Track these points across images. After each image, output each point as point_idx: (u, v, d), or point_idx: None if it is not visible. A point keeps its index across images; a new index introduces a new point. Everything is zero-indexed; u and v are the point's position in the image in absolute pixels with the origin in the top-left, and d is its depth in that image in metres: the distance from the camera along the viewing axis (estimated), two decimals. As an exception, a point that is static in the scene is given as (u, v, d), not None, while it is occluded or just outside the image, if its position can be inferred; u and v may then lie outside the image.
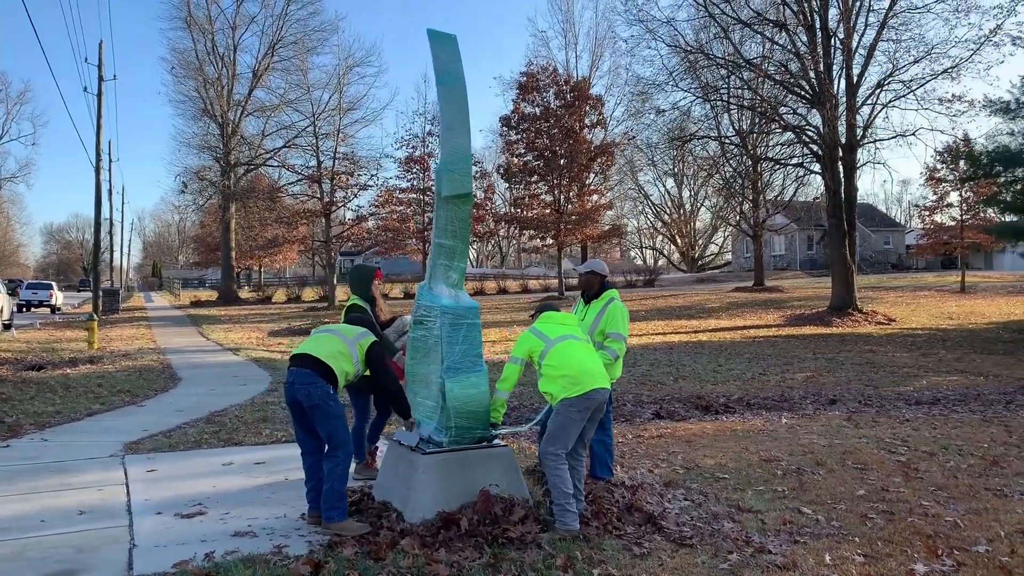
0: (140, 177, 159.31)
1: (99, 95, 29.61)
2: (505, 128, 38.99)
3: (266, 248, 38.49)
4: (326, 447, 5.18)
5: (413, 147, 42.57)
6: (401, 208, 42.48)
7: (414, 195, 42.18)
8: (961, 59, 28.62)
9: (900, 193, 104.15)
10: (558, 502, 5.03)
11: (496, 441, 5.51)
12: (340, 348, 5.28)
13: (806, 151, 31.15)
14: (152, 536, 5.05)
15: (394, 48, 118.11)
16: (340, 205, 37.30)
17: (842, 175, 29.53)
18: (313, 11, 40.29)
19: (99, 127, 29.30)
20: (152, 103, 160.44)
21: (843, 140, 29.40)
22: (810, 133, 29.52)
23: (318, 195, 36.68)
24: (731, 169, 37.74)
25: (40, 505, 5.80)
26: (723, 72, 31.73)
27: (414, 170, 41.94)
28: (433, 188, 35.57)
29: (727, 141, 35.45)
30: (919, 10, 29.64)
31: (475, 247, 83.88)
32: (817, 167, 30.73)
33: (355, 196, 37.14)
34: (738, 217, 41.83)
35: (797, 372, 15.44)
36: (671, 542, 5.04)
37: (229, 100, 39.53)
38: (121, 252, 74.64)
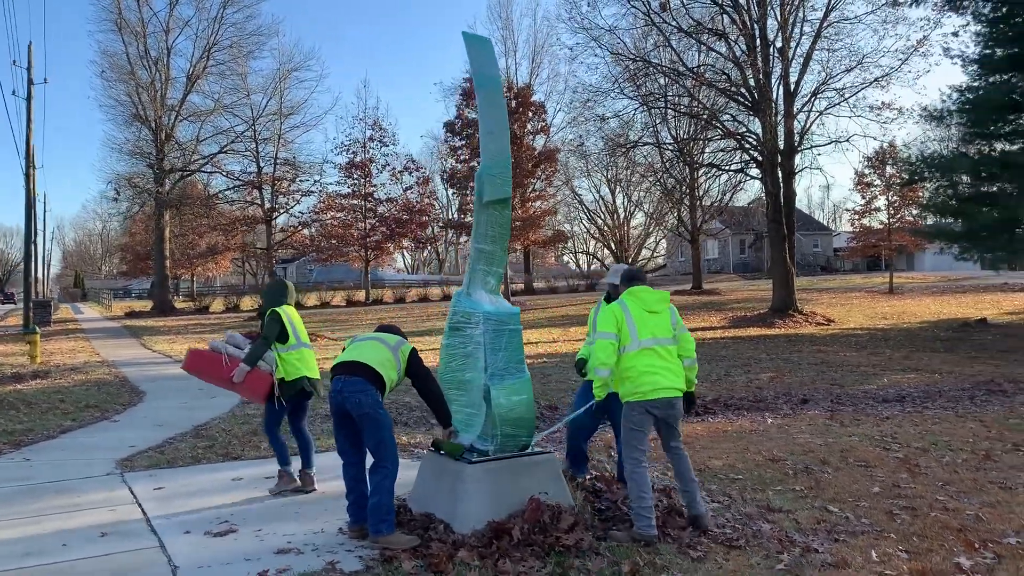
0: (59, 184, 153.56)
1: (28, 99, 28.41)
2: (449, 134, 38.94)
3: (204, 256, 37.54)
4: (372, 458, 5.06)
5: (353, 152, 42.17)
6: (342, 215, 41.97)
7: (356, 201, 41.72)
8: (891, 69, 29.73)
9: (822, 198, 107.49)
10: (635, 507, 5.07)
11: (536, 448, 5.47)
12: (387, 356, 5.18)
13: (746, 157, 31.87)
14: (191, 557, 4.86)
15: (334, 53, 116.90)
16: (282, 211, 36.66)
17: (781, 180, 30.35)
18: (249, 15, 39.52)
19: (29, 132, 28.12)
20: (73, 107, 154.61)
21: (782, 146, 30.23)
22: (751, 140, 30.25)
23: (258, 201, 35.92)
24: (672, 176, 38.36)
25: (54, 527, 5.52)
26: (665, 80, 32.29)
27: (355, 176, 41.50)
28: (374, 194, 35.24)
29: (668, 148, 36.04)
30: (850, 20, 30.71)
31: (411, 253, 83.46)
32: (756, 172, 31.47)
33: (297, 202, 36.54)
34: (677, 222, 42.54)
35: (760, 373, 15.75)
36: (719, 544, 5.07)
37: (162, 105, 38.41)
38: (43, 262, 71.76)
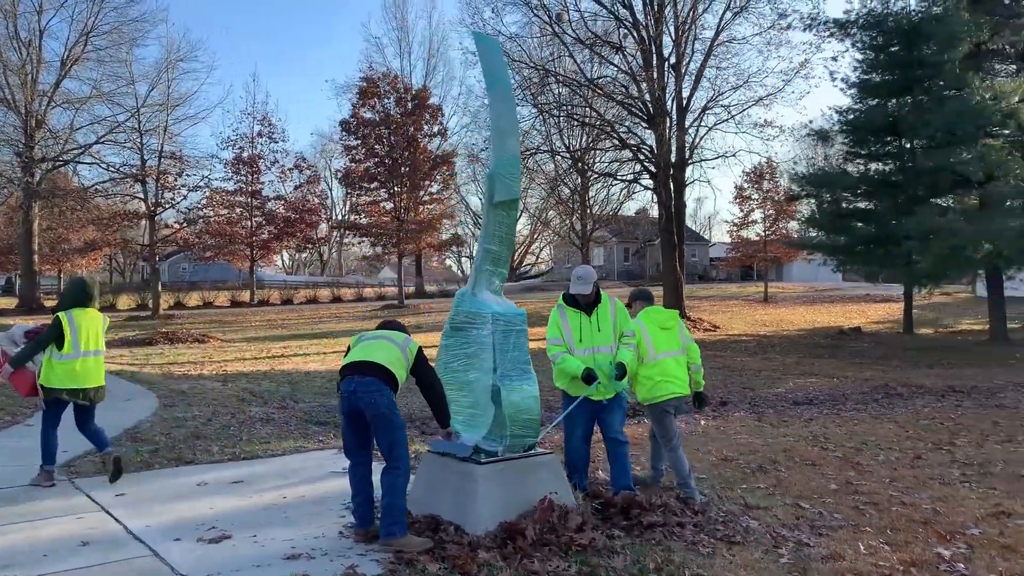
0: None
1: None
2: (345, 133, 38.25)
3: (81, 252, 35.34)
4: (384, 459, 4.96)
5: (240, 148, 40.84)
6: (227, 212, 40.52)
7: (242, 198, 40.36)
8: (776, 89, 31.38)
9: (695, 209, 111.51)
10: (684, 480, 6.26)
11: (538, 448, 5.51)
12: (397, 355, 5.09)
13: (639, 168, 32.83)
14: (195, 564, 4.64)
15: (225, 46, 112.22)
16: (167, 207, 35.00)
17: (673, 192, 31.46)
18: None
19: None
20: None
21: (674, 159, 31.35)
22: (646, 151, 31.20)
23: (141, 195, 34.20)
24: (566, 185, 39.05)
25: (23, 538, 5.15)
26: (565, 90, 32.88)
27: (242, 172, 40.18)
28: (262, 191, 34.19)
29: (564, 157, 36.68)
30: (738, 41, 32.25)
31: (290, 254, 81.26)
32: (650, 183, 32.48)
33: (183, 198, 34.98)
34: (569, 230, 43.31)
35: (671, 377, 16.25)
36: (719, 541, 5.25)
37: (34, 89, 35.96)
38: None
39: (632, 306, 7.00)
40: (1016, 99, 20.90)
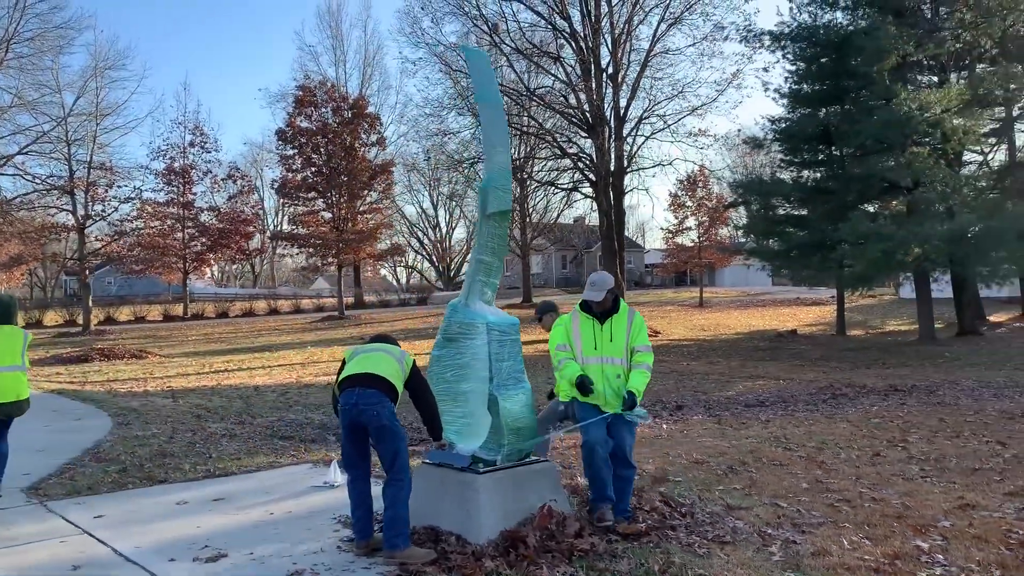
0: None
1: None
2: (281, 142, 37.71)
3: (7, 267, 33.93)
4: (386, 472, 4.96)
5: (171, 158, 39.92)
6: (158, 223, 39.50)
7: (174, 210, 39.41)
8: (709, 99, 32.25)
9: (628, 216, 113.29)
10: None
11: (533, 456, 5.57)
12: (396, 367, 5.09)
13: (579, 176, 33.26)
14: (198, 585, 4.56)
15: (156, 54, 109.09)
16: (97, 219, 33.91)
17: (612, 199, 31.94)
18: (56, 6, 36.26)
19: None
20: None
21: (613, 167, 31.85)
22: (585, 160, 31.62)
23: (69, 207, 33.07)
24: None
25: (9, 563, 4.99)
26: (505, 100, 33.07)
27: (174, 183, 39.26)
28: (195, 203, 33.52)
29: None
30: (673, 52, 32.99)
31: (219, 266, 79.57)
32: (589, 191, 32.93)
33: (114, 210, 33.97)
34: (508, 239, 43.51)
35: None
36: (711, 541, 5.39)
37: (-50, 97, 34.49)
38: None
39: (543, 320, 7.11)
40: (940, 109, 21.86)
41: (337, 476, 6.93)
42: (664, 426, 10.72)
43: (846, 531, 5.73)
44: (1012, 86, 26.46)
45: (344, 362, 5.27)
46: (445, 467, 5.40)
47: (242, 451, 8.73)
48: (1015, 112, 30.33)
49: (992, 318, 32.88)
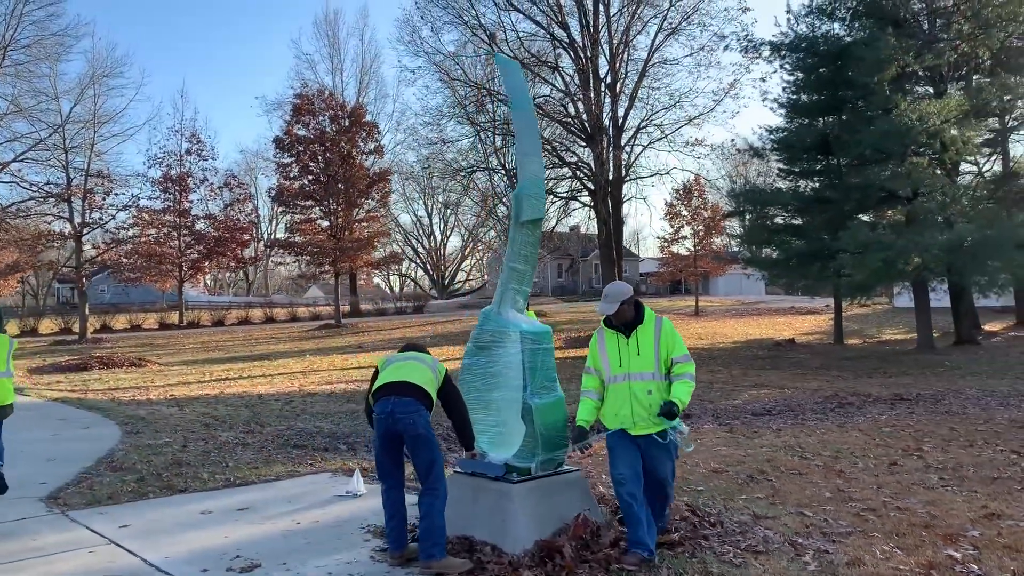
0: None
1: None
2: (278, 150, 37.72)
3: (4, 275, 33.77)
4: (421, 481, 4.94)
5: (168, 166, 39.85)
6: (154, 231, 39.41)
7: (170, 217, 39.32)
8: (707, 109, 32.35)
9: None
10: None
11: (566, 466, 5.56)
12: (430, 376, 5.08)
13: (577, 185, 33.32)
14: (238, 596, 4.52)
15: (155, 61, 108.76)
16: (95, 227, 33.83)
17: (611, 208, 32.02)
18: (52, 12, 36.23)
19: None
20: None
21: (611, 176, 31.93)
22: (584, 169, 31.69)
23: (65, 215, 32.95)
24: (503, 203, 39.32)
25: (42, 573, 4.93)
26: (504, 109, 33.13)
27: (171, 191, 39.17)
28: (191, 210, 33.36)
29: (501, 175, 36.94)
30: (671, 63, 33.10)
31: (212, 274, 79.29)
32: (588, 199, 33.00)
33: (112, 217, 33.90)
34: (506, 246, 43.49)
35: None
36: (744, 551, 5.38)
37: (-55, 105, 34.34)
38: None
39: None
40: (939, 120, 21.98)
41: (361, 486, 6.90)
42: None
43: (876, 540, 5.73)
44: (1007, 97, 26.68)
45: (377, 371, 5.25)
46: (478, 476, 5.38)
47: (258, 460, 8.69)
48: (1010, 123, 30.59)
49: (987, 327, 33.03)
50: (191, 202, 40.32)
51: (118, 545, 5.53)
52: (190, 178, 39.79)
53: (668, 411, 5.09)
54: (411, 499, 5.31)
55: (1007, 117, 29.46)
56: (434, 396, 5.08)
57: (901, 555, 5.41)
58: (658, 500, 5.38)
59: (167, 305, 44.20)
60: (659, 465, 5.28)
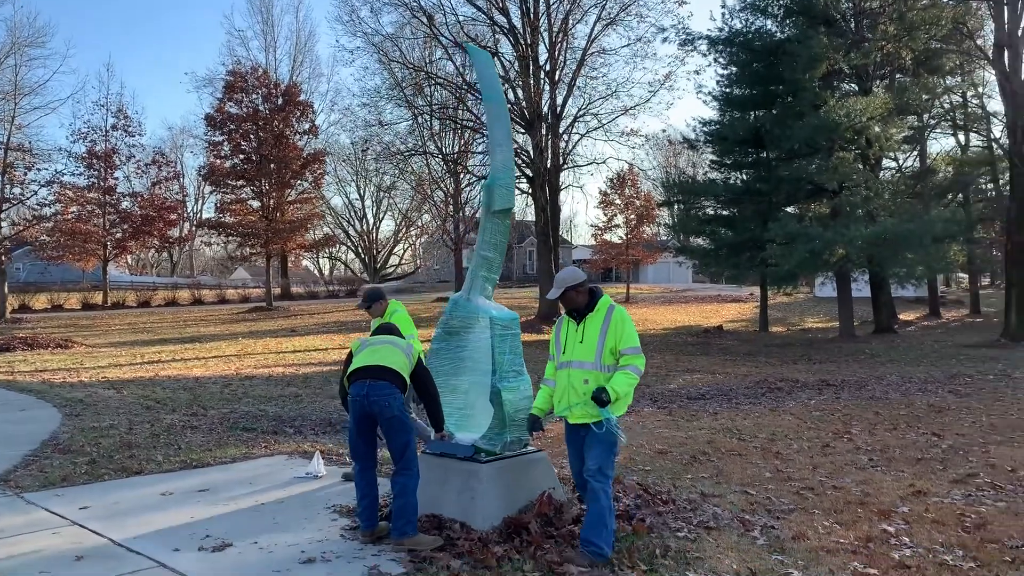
0: None
1: None
2: (209, 128, 36.82)
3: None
4: (396, 461, 5.08)
5: (92, 141, 38.55)
6: (77, 209, 38.12)
7: (95, 195, 38.08)
8: (642, 100, 32.87)
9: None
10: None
11: (530, 447, 5.77)
12: (404, 359, 5.21)
13: (518, 172, 33.50)
14: (211, 573, 4.60)
15: (77, 33, 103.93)
16: (15, 203, 32.52)
17: (548, 196, 32.31)
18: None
19: None
20: None
21: (549, 164, 32.21)
22: (523, 156, 31.86)
23: (-17, 190, 31.69)
24: (440, 188, 39.29)
25: (6, 554, 4.92)
26: (442, 93, 33.09)
27: (96, 167, 37.93)
28: (117, 188, 32.29)
29: (437, 158, 36.89)
30: (608, 53, 33.50)
31: (134, 255, 77.00)
32: (526, 187, 33.19)
33: (34, 193, 32.68)
34: (442, 232, 43.50)
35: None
36: (697, 527, 5.68)
37: None
38: None
39: (371, 308, 6.99)
40: (865, 117, 22.88)
41: (321, 468, 7.00)
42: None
43: (816, 517, 6.11)
44: (927, 97, 27.91)
45: (351, 354, 5.36)
46: (447, 457, 5.54)
47: (210, 443, 8.67)
48: (928, 121, 31.99)
49: (903, 316, 34.59)
50: (117, 179, 39.13)
51: (82, 526, 5.52)
52: (116, 154, 38.53)
53: (597, 396, 4.89)
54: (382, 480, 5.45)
55: (926, 116, 30.82)
56: (408, 379, 5.21)
57: (840, 530, 5.79)
58: (588, 492, 4.99)
59: (90, 285, 42.76)
60: (588, 456, 4.99)
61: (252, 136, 36.54)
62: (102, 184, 37.90)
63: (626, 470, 7.53)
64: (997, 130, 32.17)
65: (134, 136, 39.58)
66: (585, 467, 5.00)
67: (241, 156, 36.60)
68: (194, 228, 53.17)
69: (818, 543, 5.43)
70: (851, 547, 5.36)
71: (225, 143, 36.88)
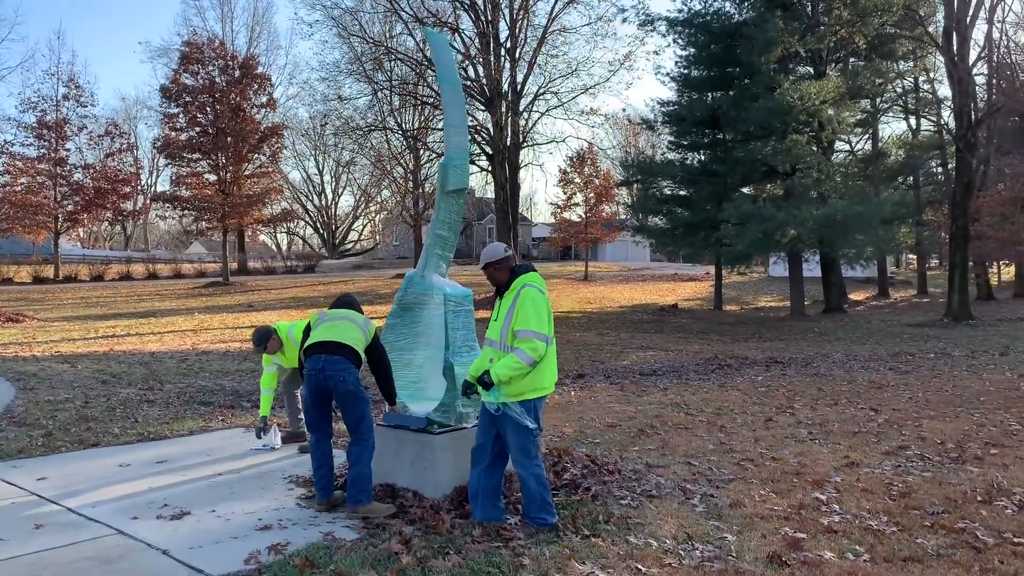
0: None
1: None
2: (165, 100, 36.21)
3: None
4: (352, 432, 5.25)
5: (43, 111, 37.71)
6: (26, 180, 37.35)
7: (46, 166, 37.31)
8: (602, 79, 33.04)
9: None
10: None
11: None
12: (359, 334, 5.36)
13: (476, 149, 33.53)
14: (170, 539, 4.74)
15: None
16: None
17: (507, 173, 32.43)
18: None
19: None
20: None
21: (508, 142, 32.31)
22: (483, 134, 31.92)
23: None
24: (400, 164, 39.13)
25: (-35, 524, 5.01)
26: (402, 69, 32.91)
27: (46, 137, 37.13)
28: (68, 159, 31.69)
29: (397, 134, 36.74)
30: (569, 31, 33.60)
31: (85, 227, 75.51)
32: (485, 164, 33.28)
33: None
34: (401, 209, 43.39)
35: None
36: (639, 496, 5.95)
37: None
38: None
39: (267, 347, 6.86)
40: (818, 100, 23.35)
41: (277, 440, 7.14)
42: (572, 393, 11.32)
43: (754, 486, 6.42)
44: (879, 81, 28.50)
45: (309, 327, 5.50)
46: (401, 429, 5.73)
47: (167, 416, 8.75)
48: (880, 105, 32.67)
49: (853, 296, 35.47)
50: (68, 151, 38.33)
51: (40, 496, 5.62)
52: (67, 125, 37.76)
53: (480, 378, 4.89)
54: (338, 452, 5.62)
55: (878, 100, 31.47)
56: (363, 354, 5.37)
57: (775, 498, 6.10)
58: (519, 479, 5.04)
59: (40, 258, 41.95)
60: (506, 438, 4.98)
61: (208, 108, 36.02)
62: (52, 155, 37.14)
63: (576, 442, 7.80)
64: (946, 115, 33.02)
65: (86, 107, 38.88)
66: (506, 449, 5.04)
67: (197, 129, 36.07)
68: (149, 201, 52.29)
69: (753, 510, 5.73)
70: (784, 514, 5.67)
71: (181, 115, 36.31)
